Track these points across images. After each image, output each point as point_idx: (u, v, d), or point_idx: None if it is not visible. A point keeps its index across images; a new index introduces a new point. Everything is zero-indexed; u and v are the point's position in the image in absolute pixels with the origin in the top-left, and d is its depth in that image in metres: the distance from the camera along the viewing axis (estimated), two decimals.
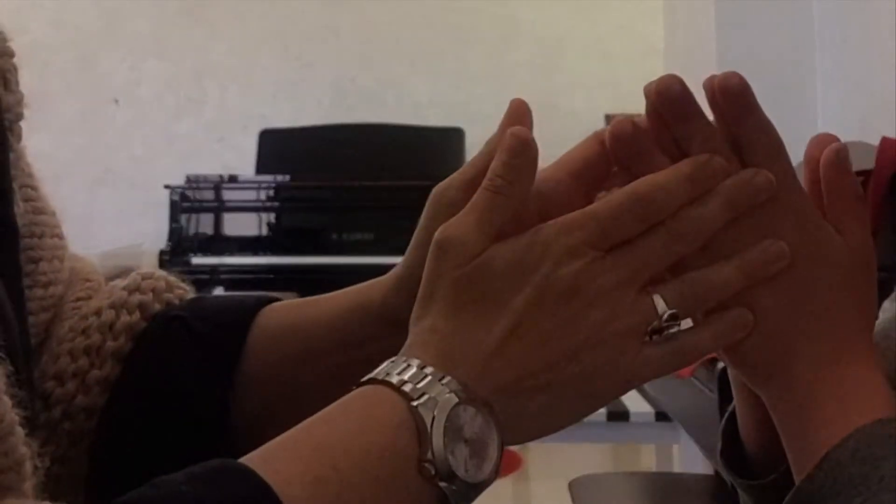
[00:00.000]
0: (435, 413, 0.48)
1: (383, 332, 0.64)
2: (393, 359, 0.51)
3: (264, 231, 3.83)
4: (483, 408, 0.49)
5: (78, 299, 0.71)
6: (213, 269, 3.73)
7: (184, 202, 3.82)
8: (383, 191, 3.73)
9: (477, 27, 4.89)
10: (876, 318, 0.59)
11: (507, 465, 3.87)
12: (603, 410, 2.27)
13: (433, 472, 0.47)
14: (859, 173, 1.40)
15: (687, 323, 0.54)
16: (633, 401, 2.36)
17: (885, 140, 1.42)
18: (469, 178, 0.59)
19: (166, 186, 3.86)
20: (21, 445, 0.48)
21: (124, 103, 4.97)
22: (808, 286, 0.55)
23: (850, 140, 1.68)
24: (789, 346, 0.55)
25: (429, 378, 0.49)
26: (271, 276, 3.77)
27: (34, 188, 0.70)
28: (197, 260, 3.73)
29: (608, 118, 5.09)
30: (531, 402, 0.50)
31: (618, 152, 0.56)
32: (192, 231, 3.81)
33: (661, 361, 0.52)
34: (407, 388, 0.49)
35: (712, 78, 0.55)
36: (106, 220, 4.80)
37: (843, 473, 0.51)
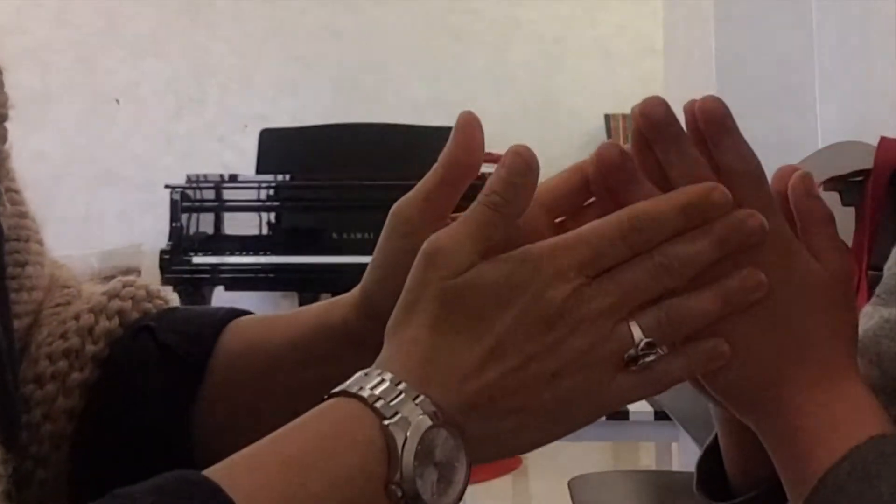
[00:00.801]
0: (407, 434, 0.47)
1: (345, 352, 0.64)
2: (367, 370, 0.50)
3: (265, 230, 3.83)
4: (455, 431, 0.48)
5: (57, 305, 0.71)
6: (214, 269, 3.74)
7: (184, 202, 3.82)
8: (383, 191, 3.73)
9: (477, 27, 4.89)
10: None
11: (506, 463, 3.86)
12: None
13: (400, 495, 0.46)
14: (859, 173, 1.40)
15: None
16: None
17: (883, 140, 1.42)
18: (423, 196, 0.59)
19: (167, 186, 3.87)
20: None
21: (125, 103, 4.97)
22: (789, 312, 0.55)
23: (850, 140, 1.68)
24: (774, 373, 0.55)
25: (402, 396, 0.48)
26: (272, 275, 3.77)
27: (17, 191, 0.70)
28: (197, 259, 3.74)
29: (608, 118, 5.10)
30: (503, 423, 0.50)
31: (604, 178, 0.56)
32: (192, 230, 3.81)
33: (634, 389, 0.52)
34: (379, 404, 0.48)
35: (693, 102, 0.55)
36: (106, 219, 4.81)
37: (840, 494, 0.51)
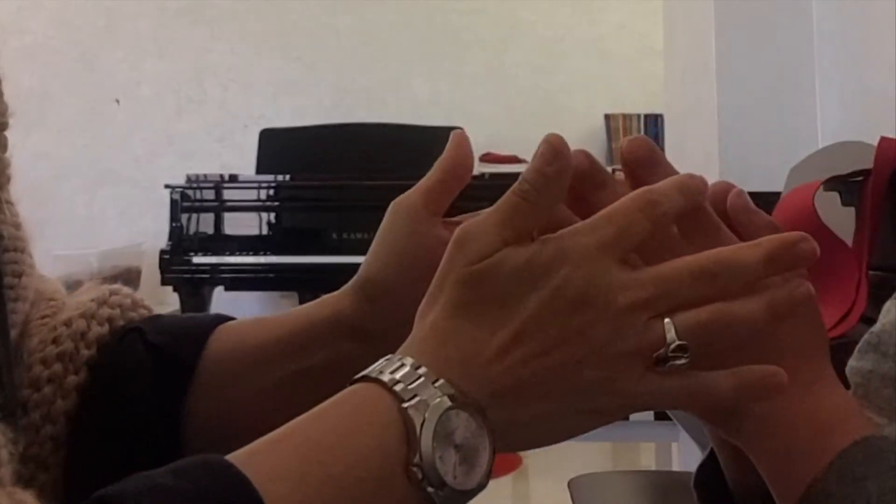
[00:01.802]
0: (426, 416, 0.47)
1: (334, 341, 0.66)
2: (389, 356, 0.50)
3: (265, 230, 3.83)
4: (476, 413, 0.48)
5: (44, 316, 0.72)
6: (214, 269, 3.74)
7: (184, 202, 3.82)
8: (383, 191, 3.71)
9: (477, 27, 4.89)
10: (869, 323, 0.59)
11: (506, 463, 3.86)
12: None
13: (420, 477, 0.46)
14: (858, 173, 1.40)
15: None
16: None
17: (883, 140, 1.42)
18: (424, 192, 0.64)
19: (167, 186, 3.87)
20: None
21: (125, 103, 4.97)
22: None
23: (850, 140, 1.68)
24: None
25: (422, 379, 0.48)
26: (272, 275, 3.77)
27: (11, 203, 0.71)
28: (197, 259, 3.74)
29: (608, 118, 5.10)
30: (526, 411, 0.49)
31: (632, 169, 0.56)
32: (192, 230, 3.81)
33: (666, 393, 0.50)
34: (398, 388, 0.48)
35: (624, 143, 0.56)
36: (106, 219, 4.81)
37: (830, 500, 0.51)
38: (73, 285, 0.78)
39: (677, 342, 0.49)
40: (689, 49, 3.06)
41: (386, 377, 0.48)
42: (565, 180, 0.52)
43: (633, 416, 2.25)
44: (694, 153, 3.01)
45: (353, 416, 0.48)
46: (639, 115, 5.02)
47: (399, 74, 4.88)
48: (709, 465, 0.64)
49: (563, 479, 2.00)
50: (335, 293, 0.68)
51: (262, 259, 3.77)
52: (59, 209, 4.78)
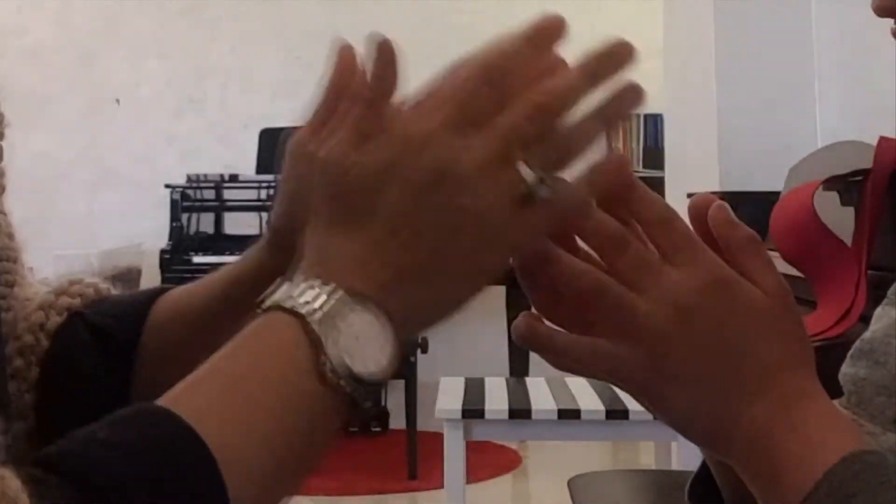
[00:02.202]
0: (330, 325, 0.49)
1: (261, 291, 0.68)
2: (279, 280, 0.52)
3: (265, 230, 3.84)
4: (374, 309, 0.50)
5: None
6: (214, 268, 3.72)
7: (184, 201, 3.83)
8: None
9: (477, 27, 4.89)
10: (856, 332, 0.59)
11: (506, 463, 3.87)
12: (602, 408, 2.28)
13: (337, 381, 0.48)
14: (858, 173, 1.41)
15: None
16: (633, 399, 2.35)
17: (883, 140, 1.43)
18: (315, 126, 0.64)
19: (167, 186, 3.87)
20: None
21: (125, 103, 4.97)
22: (739, 344, 0.54)
23: (849, 140, 1.69)
24: (737, 410, 0.54)
25: (315, 291, 0.50)
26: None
27: (4, 213, 0.72)
28: (198, 259, 3.74)
29: None
30: (417, 294, 0.51)
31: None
32: (192, 230, 3.82)
33: (539, 219, 0.52)
34: (301, 308, 0.50)
35: (597, 166, 0.55)
36: (106, 219, 4.81)
37: None
38: None
39: (535, 176, 0.51)
40: (689, 49, 3.07)
41: (284, 300, 0.50)
42: (395, 72, 0.55)
43: (634, 416, 2.25)
44: (694, 153, 3.02)
45: (262, 343, 0.50)
46: (639, 115, 5.02)
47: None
48: (703, 478, 0.64)
49: (563, 478, 2.00)
50: (255, 245, 0.72)
51: None
52: (59, 209, 4.79)
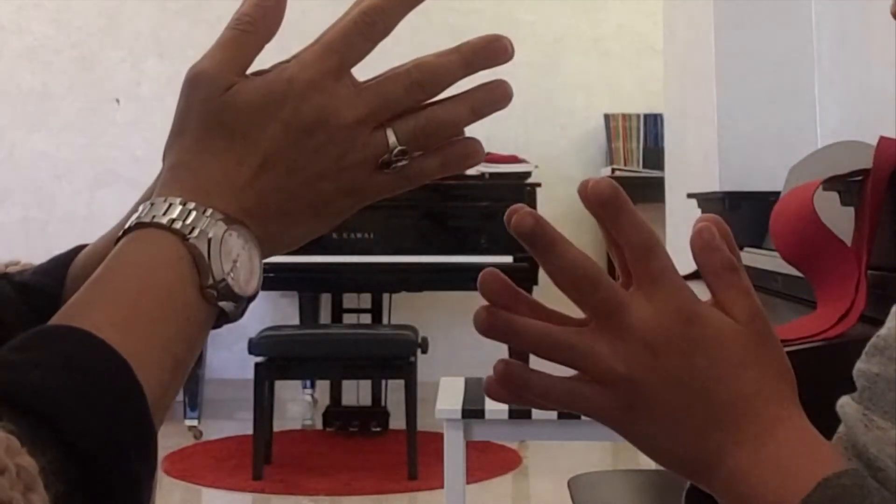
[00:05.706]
0: (208, 242, 0.52)
1: None
2: (152, 200, 0.55)
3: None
4: (245, 230, 0.54)
5: None
6: None
7: None
8: None
9: (477, 27, 4.89)
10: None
11: (506, 463, 3.87)
12: None
13: (215, 294, 0.52)
14: (858, 173, 1.40)
15: None
16: None
17: (883, 140, 1.42)
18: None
19: None
20: None
21: (125, 103, 4.97)
22: (712, 377, 0.55)
23: (849, 139, 1.69)
24: (714, 443, 0.55)
25: (194, 213, 0.53)
26: (272, 274, 3.77)
27: None
28: None
29: (607, 118, 5.10)
30: (279, 224, 0.56)
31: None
32: None
33: (388, 186, 0.57)
34: (177, 225, 0.53)
35: (585, 183, 0.56)
36: (106, 219, 4.78)
37: None
38: None
39: (399, 147, 0.56)
40: (689, 49, 3.07)
41: (162, 219, 0.53)
42: (282, 9, 0.58)
43: None
44: (694, 153, 3.02)
45: (146, 259, 0.53)
46: (638, 115, 5.02)
47: None
48: (696, 491, 0.64)
49: (563, 477, 2.00)
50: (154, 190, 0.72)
51: None
52: (59, 209, 4.79)
